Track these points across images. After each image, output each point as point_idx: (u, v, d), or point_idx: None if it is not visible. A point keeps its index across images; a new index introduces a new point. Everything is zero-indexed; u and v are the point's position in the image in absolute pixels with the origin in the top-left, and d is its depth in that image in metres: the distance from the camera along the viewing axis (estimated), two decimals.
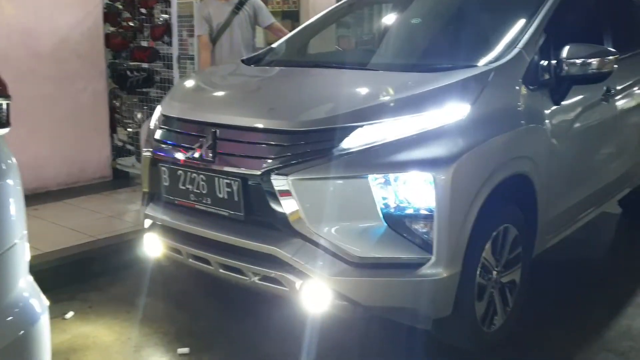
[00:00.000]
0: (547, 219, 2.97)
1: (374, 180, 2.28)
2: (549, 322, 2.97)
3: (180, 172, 2.66)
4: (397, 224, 2.30)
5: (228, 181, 2.48)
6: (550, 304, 3.15)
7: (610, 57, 2.92)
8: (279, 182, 2.33)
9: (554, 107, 2.93)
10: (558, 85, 2.92)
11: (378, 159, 2.30)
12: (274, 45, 3.84)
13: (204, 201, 2.59)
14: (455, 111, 2.41)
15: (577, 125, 3.16)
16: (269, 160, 2.36)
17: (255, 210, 2.46)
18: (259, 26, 5.25)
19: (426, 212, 2.28)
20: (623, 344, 2.73)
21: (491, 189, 2.45)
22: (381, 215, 2.29)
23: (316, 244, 2.32)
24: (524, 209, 2.79)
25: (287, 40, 3.85)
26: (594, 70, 2.88)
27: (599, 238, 4.29)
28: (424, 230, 2.29)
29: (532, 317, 2.93)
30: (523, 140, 2.69)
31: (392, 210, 2.30)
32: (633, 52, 3.93)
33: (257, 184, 2.40)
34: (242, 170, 2.44)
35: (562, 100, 2.96)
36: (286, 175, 2.32)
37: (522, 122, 2.69)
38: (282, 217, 2.34)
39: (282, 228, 2.38)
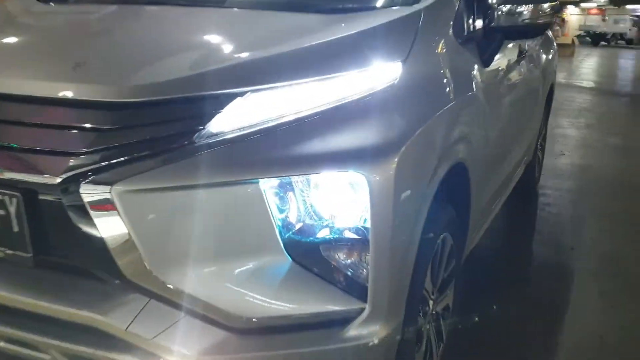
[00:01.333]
0: (476, 214, 2.28)
1: (268, 188, 1.35)
2: (485, 349, 2.30)
3: None
4: (308, 256, 1.39)
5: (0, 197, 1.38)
6: (477, 320, 2.48)
7: (547, 4, 2.26)
8: (95, 197, 1.30)
9: (484, 70, 2.20)
10: (487, 40, 2.20)
11: (273, 150, 1.36)
12: None
13: None
14: (384, 72, 1.55)
15: (500, 94, 2.49)
16: (77, 158, 1.31)
17: (52, 247, 1.40)
18: None
19: (355, 236, 1.40)
20: None
21: (436, 189, 1.64)
22: (281, 245, 1.37)
23: (170, 302, 1.34)
24: (456, 208, 2.04)
25: None
26: (530, 21, 2.20)
27: (497, 227, 3.77)
28: (353, 263, 1.41)
29: (464, 344, 2.23)
30: (462, 116, 1.92)
31: (299, 235, 1.38)
32: None
33: (56, 200, 1.34)
34: (26, 177, 1.35)
35: (492, 60, 2.25)
36: (109, 183, 1.30)
37: (461, 90, 1.92)
38: (104, 257, 1.32)
39: (105, 276, 1.37)
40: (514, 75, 2.75)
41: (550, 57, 4.06)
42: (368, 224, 1.38)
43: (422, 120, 1.55)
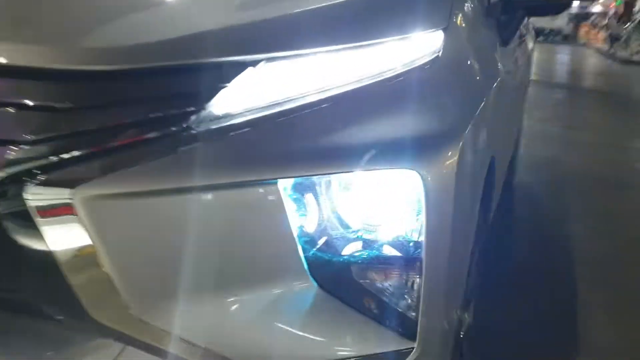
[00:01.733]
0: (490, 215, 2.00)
1: (289, 191, 0.99)
2: None
3: None
4: (339, 281, 1.05)
5: None
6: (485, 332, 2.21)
7: None
8: (48, 204, 0.91)
9: (502, 49, 1.91)
10: (508, 16, 1.91)
11: (296, 140, 1.00)
12: None
13: None
14: (425, 42, 1.22)
15: (512, 77, 2.22)
16: (20, 150, 0.92)
17: None
18: None
19: (399, 253, 1.07)
20: None
21: (483, 187, 1.33)
22: (305, 266, 1.02)
23: (153, 349, 0.97)
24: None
25: None
26: None
27: None
28: (398, 288, 1.08)
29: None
30: (498, 101, 1.61)
31: (328, 253, 1.04)
32: None
33: None
34: None
35: (510, 39, 1.97)
36: (70, 185, 0.91)
37: (496, 69, 1.62)
38: (61, 289, 0.93)
39: (58, 314, 0.98)
40: (518, 59, 2.49)
41: (533, 44, 3.86)
42: (421, 238, 1.05)
43: (475, 104, 1.24)
